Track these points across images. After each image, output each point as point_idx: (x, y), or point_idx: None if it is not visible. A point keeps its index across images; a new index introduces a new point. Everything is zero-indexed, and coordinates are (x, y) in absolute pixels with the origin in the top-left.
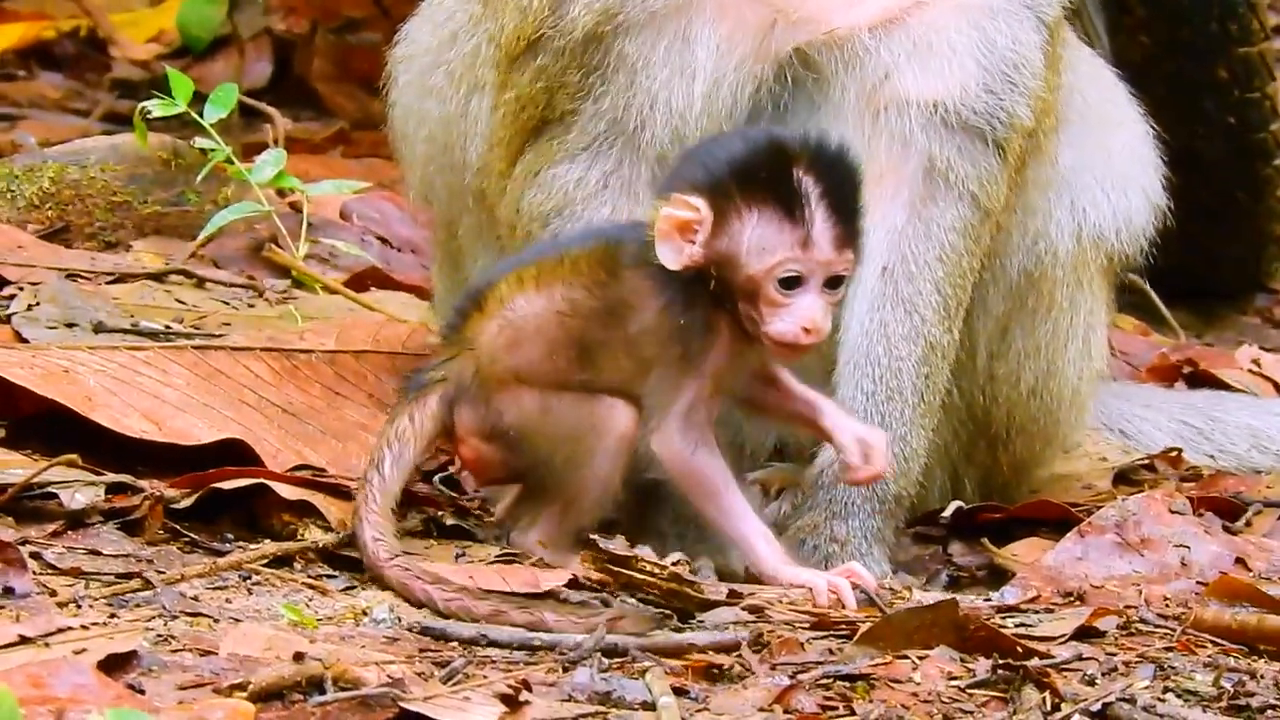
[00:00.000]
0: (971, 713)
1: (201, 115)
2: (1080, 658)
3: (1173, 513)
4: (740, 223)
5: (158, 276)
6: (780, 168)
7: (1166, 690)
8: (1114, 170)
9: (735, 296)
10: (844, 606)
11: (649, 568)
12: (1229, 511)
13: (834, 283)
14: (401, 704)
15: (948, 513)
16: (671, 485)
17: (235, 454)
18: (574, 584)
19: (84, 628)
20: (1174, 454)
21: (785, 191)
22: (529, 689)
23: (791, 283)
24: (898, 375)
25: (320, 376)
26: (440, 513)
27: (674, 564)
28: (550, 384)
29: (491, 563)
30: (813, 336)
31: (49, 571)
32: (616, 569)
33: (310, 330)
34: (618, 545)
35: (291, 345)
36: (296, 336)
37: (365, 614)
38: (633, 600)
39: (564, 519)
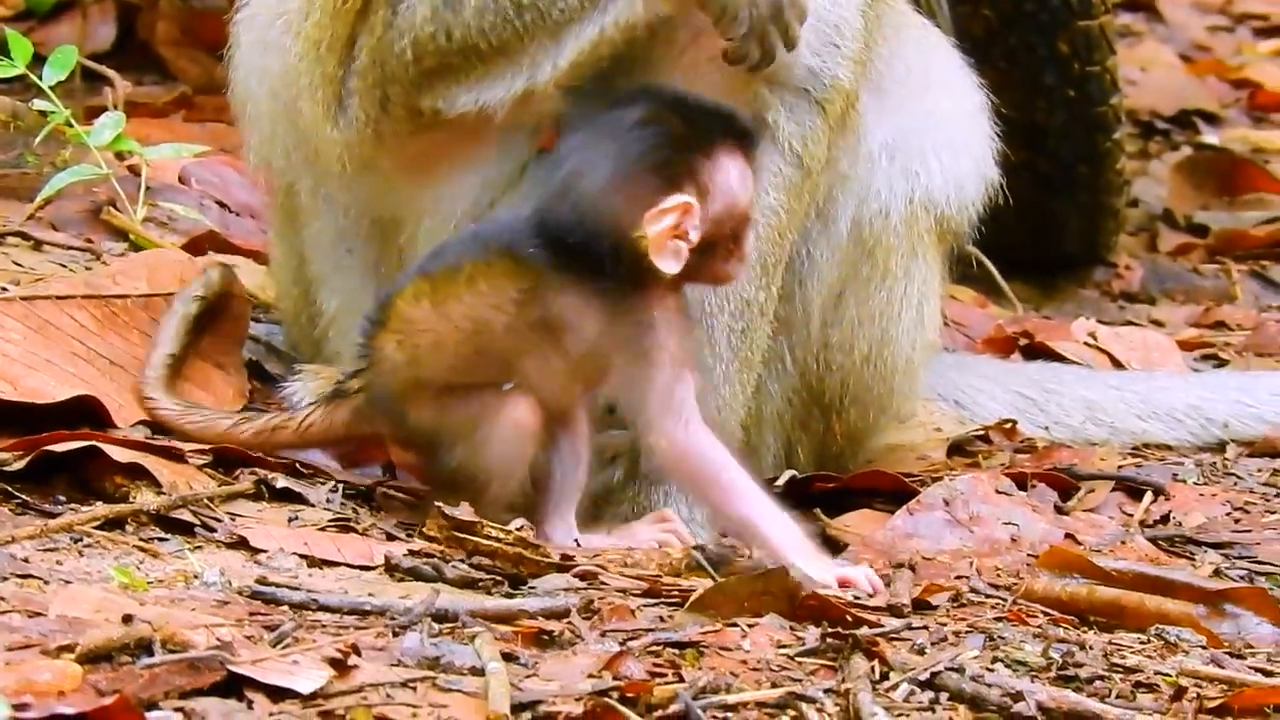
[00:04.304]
0: (800, 680)
1: (41, 77)
2: (910, 627)
3: (999, 493)
4: (721, 176)
5: None
6: (700, 112)
7: (996, 660)
8: (943, 135)
9: (721, 246)
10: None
11: (494, 533)
12: (1061, 486)
13: None
14: (229, 667)
15: (781, 481)
16: (676, 480)
17: (87, 410)
18: (413, 552)
19: None
20: (1009, 425)
21: (720, 126)
22: (358, 653)
23: None
24: (710, 331)
25: (137, 322)
26: (272, 475)
27: (518, 529)
28: (456, 387)
29: (324, 528)
30: None
31: None
32: (461, 535)
33: (122, 274)
34: (463, 511)
35: (107, 291)
36: (111, 281)
37: (196, 577)
38: (466, 566)
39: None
